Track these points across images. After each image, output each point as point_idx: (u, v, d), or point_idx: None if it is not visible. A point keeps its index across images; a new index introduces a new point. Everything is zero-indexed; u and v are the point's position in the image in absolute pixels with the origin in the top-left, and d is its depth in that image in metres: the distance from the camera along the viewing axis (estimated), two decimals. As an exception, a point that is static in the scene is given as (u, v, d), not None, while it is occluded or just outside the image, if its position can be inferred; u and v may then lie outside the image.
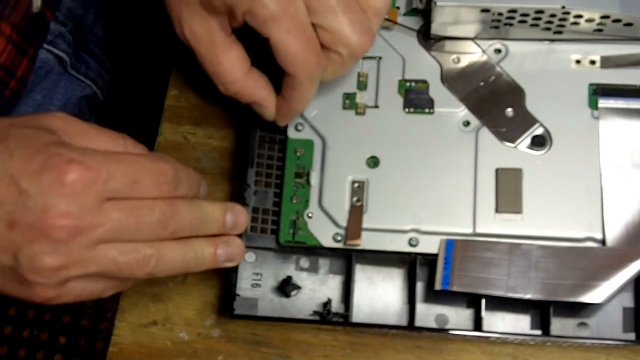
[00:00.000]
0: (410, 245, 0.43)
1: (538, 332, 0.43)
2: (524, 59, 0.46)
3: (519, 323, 0.43)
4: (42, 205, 0.33)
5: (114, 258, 0.35)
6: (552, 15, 0.43)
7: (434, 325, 0.44)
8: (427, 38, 0.46)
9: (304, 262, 0.45)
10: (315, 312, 0.44)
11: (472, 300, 0.43)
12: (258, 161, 0.46)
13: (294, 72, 0.40)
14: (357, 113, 0.46)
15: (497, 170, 0.44)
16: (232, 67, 0.41)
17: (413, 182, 0.44)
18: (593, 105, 0.44)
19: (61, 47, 0.54)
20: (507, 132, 0.44)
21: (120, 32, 0.64)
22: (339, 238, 0.44)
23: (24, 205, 0.33)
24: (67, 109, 0.57)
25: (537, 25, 0.44)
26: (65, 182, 0.33)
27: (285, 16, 0.38)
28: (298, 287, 0.44)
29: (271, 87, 0.43)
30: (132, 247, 0.36)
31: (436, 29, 0.45)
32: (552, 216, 0.43)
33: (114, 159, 0.35)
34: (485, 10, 0.43)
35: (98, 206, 0.34)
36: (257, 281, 0.45)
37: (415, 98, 0.46)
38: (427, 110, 0.45)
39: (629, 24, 0.43)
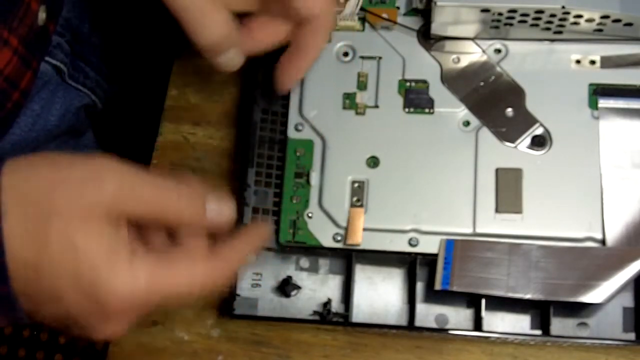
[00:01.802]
0: (410, 245, 0.43)
1: (538, 332, 0.43)
2: (524, 59, 0.46)
3: (519, 323, 0.43)
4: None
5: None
6: (552, 15, 0.43)
7: (434, 325, 0.44)
8: (427, 38, 0.46)
9: (304, 262, 0.45)
10: (315, 312, 0.44)
11: (472, 300, 0.43)
12: (258, 161, 0.46)
13: (314, 16, 0.40)
14: (357, 113, 0.46)
15: (497, 170, 0.44)
16: (221, 8, 0.40)
17: (413, 182, 0.44)
18: (593, 105, 0.44)
19: (59, 57, 0.54)
20: (507, 132, 0.44)
21: (117, 40, 0.64)
22: (339, 238, 0.44)
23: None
24: (65, 118, 0.57)
25: (537, 25, 0.44)
26: (112, 317, 0.34)
27: None
28: (298, 287, 0.44)
29: None
30: None
31: (436, 29, 0.45)
32: (552, 216, 0.43)
33: (158, 289, 0.34)
34: (485, 10, 0.43)
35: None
36: (257, 281, 0.45)
37: (415, 98, 0.46)
38: (427, 110, 0.45)
39: (629, 24, 0.43)
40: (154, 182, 0.35)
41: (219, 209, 0.37)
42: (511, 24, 0.44)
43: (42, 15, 0.49)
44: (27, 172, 0.33)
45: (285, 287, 0.44)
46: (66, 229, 0.32)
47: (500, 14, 0.43)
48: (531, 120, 0.44)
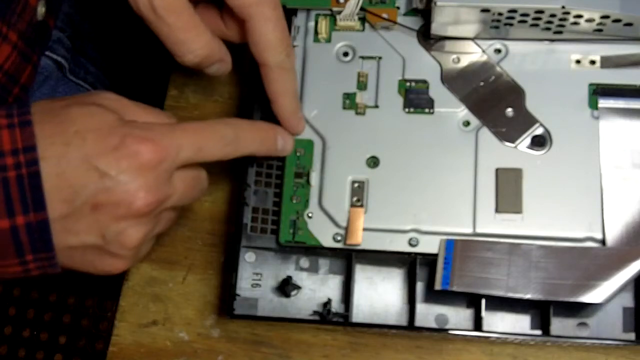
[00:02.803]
0: (410, 245, 0.43)
1: (538, 332, 0.43)
2: (524, 59, 0.46)
3: (519, 323, 0.43)
4: (123, 185, 0.35)
5: (170, 217, 0.40)
6: (552, 15, 0.43)
7: (434, 325, 0.44)
8: (427, 38, 0.46)
9: (304, 262, 0.45)
10: (315, 312, 0.44)
11: (472, 300, 0.43)
12: (258, 161, 0.46)
13: (265, 59, 0.42)
14: (357, 113, 0.46)
15: (497, 170, 0.44)
16: (202, 30, 0.42)
17: (413, 182, 0.44)
18: (593, 105, 0.44)
19: (60, 52, 0.55)
20: (507, 132, 0.44)
21: (118, 35, 0.64)
22: (339, 238, 0.44)
23: (105, 186, 0.35)
24: None
25: (537, 25, 0.44)
26: (141, 161, 0.35)
27: (270, 3, 0.41)
28: (298, 287, 0.44)
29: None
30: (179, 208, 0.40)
31: (436, 29, 0.45)
32: (552, 216, 0.43)
33: (179, 130, 0.37)
34: (485, 10, 0.43)
35: (170, 178, 0.37)
36: (257, 281, 0.45)
37: (415, 98, 0.46)
38: (427, 110, 0.45)
39: (629, 24, 0.43)
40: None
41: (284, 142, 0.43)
42: (511, 24, 0.44)
43: (41, 10, 0.49)
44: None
45: (285, 287, 0.44)
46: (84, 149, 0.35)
47: (500, 14, 0.43)
48: (531, 120, 0.44)
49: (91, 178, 0.34)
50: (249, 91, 0.50)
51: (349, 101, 0.46)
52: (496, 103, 0.45)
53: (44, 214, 0.34)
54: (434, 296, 0.44)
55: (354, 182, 0.45)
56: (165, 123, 0.38)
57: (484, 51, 0.46)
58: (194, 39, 0.41)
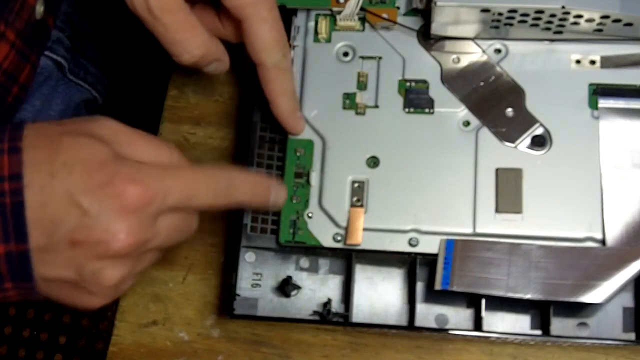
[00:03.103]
0: (410, 245, 0.43)
1: (538, 332, 0.43)
2: (524, 59, 0.46)
3: (519, 323, 0.43)
4: (103, 225, 0.34)
5: (152, 257, 0.38)
6: (552, 15, 0.43)
7: (434, 325, 0.44)
8: (427, 38, 0.46)
9: (304, 262, 0.45)
10: (315, 312, 0.44)
11: (472, 300, 0.43)
12: (258, 161, 0.46)
13: (262, 59, 0.42)
14: (357, 113, 0.46)
15: (497, 170, 0.44)
16: (198, 29, 0.42)
17: (413, 182, 0.44)
18: (593, 105, 0.44)
19: (59, 52, 0.55)
20: (507, 132, 0.44)
21: (118, 35, 0.64)
22: (339, 238, 0.44)
23: (85, 224, 0.33)
24: (66, 114, 0.57)
25: (537, 25, 0.44)
26: (126, 202, 0.34)
27: (266, 4, 0.41)
28: (298, 287, 0.44)
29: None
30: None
31: (436, 29, 0.45)
32: (552, 216, 0.43)
33: (171, 176, 0.36)
34: (485, 10, 0.43)
35: (153, 222, 0.35)
36: (257, 281, 0.45)
37: (415, 98, 0.46)
38: (427, 110, 0.45)
39: (629, 24, 0.43)
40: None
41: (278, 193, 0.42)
42: (511, 24, 0.44)
43: (39, 9, 0.49)
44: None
45: (285, 287, 0.44)
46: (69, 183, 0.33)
47: (500, 14, 0.43)
48: (531, 120, 0.44)
49: (72, 214, 0.33)
50: (249, 91, 0.50)
51: (349, 101, 0.46)
52: (496, 103, 0.45)
53: (26, 245, 0.33)
54: (434, 296, 0.44)
55: (354, 182, 0.44)
56: (159, 163, 0.36)
57: (484, 51, 0.46)
58: (190, 39, 0.41)
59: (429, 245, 0.43)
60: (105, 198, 0.33)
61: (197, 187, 0.37)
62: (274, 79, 0.43)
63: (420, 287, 0.44)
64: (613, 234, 0.42)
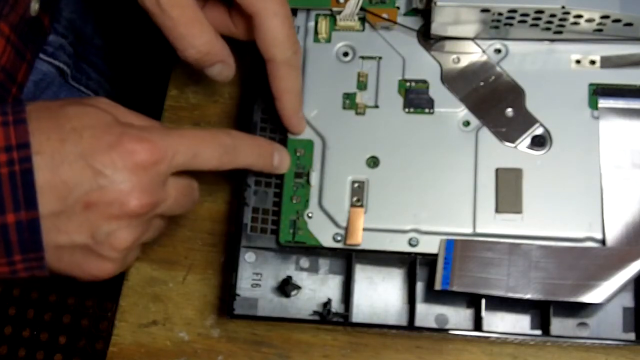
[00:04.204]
0: (410, 245, 0.43)
1: (538, 332, 0.43)
2: (524, 59, 0.46)
3: (519, 323, 0.43)
4: (117, 185, 0.34)
5: (159, 225, 0.39)
6: (552, 15, 0.43)
7: (434, 325, 0.44)
8: (427, 38, 0.46)
9: (304, 262, 0.45)
10: (315, 312, 0.44)
11: (472, 300, 0.43)
12: (258, 161, 0.46)
13: (272, 55, 0.42)
14: (357, 113, 0.46)
15: (497, 170, 0.44)
16: (206, 26, 0.42)
17: (413, 182, 0.44)
18: (593, 105, 0.44)
19: (62, 58, 0.55)
20: (507, 132, 0.44)
21: (119, 40, 0.64)
22: (339, 238, 0.44)
23: (99, 185, 0.34)
24: None
25: (537, 25, 0.44)
26: (137, 160, 0.35)
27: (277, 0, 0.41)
28: (298, 287, 0.44)
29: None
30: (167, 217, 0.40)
31: (436, 29, 0.45)
32: (552, 216, 0.43)
33: (176, 134, 0.37)
34: (485, 10, 0.43)
35: (164, 182, 0.36)
36: (257, 281, 0.45)
37: (415, 98, 0.46)
38: (427, 110, 0.45)
39: (629, 24, 0.43)
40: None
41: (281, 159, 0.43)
42: (511, 24, 0.44)
43: (35, 6, 0.49)
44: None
45: (285, 287, 0.44)
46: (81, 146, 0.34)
47: (500, 14, 0.43)
48: (531, 120, 0.44)
49: (85, 176, 0.34)
50: (249, 91, 0.50)
51: (349, 101, 0.46)
52: (496, 103, 0.45)
53: (35, 212, 0.34)
54: (434, 296, 0.44)
55: (354, 182, 0.45)
56: (161, 127, 0.38)
57: (484, 51, 0.46)
58: (196, 34, 0.41)
59: (429, 245, 0.43)
60: (118, 157, 0.34)
61: (204, 145, 0.37)
62: (282, 76, 0.43)
63: (420, 287, 0.44)
64: (613, 234, 0.42)
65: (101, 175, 0.34)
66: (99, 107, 0.36)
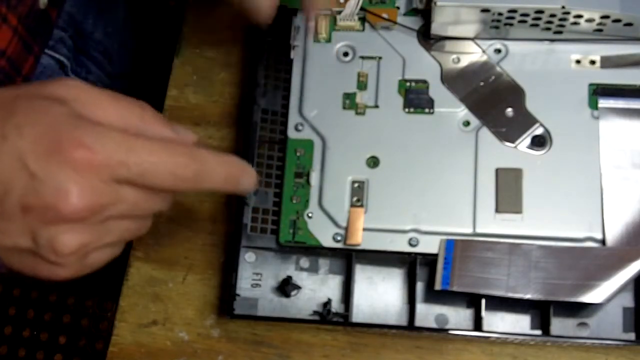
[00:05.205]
0: (410, 245, 0.43)
1: (538, 332, 0.43)
2: (524, 59, 0.46)
3: (519, 323, 0.43)
4: (53, 188, 0.32)
5: (128, 227, 0.36)
6: (552, 15, 0.43)
7: (434, 325, 0.44)
8: (427, 38, 0.46)
9: (304, 262, 0.45)
10: (315, 312, 0.44)
11: (472, 300, 0.43)
12: (258, 161, 0.46)
13: None
14: (357, 113, 0.46)
15: (497, 170, 0.44)
16: None
17: (413, 182, 0.44)
18: (593, 105, 0.44)
19: (62, 51, 0.55)
20: (507, 132, 0.44)
21: (119, 35, 0.64)
22: (339, 238, 0.44)
23: (35, 188, 0.32)
24: None
25: (537, 25, 0.44)
26: (73, 164, 0.32)
27: None
28: (298, 287, 0.44)
29: None
30: (147, 217, 0.36)
31: (436, 29, 0.45)
32: (552, 216, 0.43)
33: (127, 147, 0.33)
34: (485, 10, 0.43)
35: (111, 186, 0.33)
36: (257, 281, 0.45)
37: (415, 98, 0.46)
38: (427, 110, 0.45)
39: (629, 24, 0.43)
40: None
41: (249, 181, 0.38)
42: (511, 24, 0.44)
43: None
44: None
45: (285, 287, 0.44)
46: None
47: (500, 14, 0.43)
48: (531, 120, 0.44)
49: (22, 177, 0.32)
50: (249, 91, 0.50)
51: (349, 101, 0.46)
52: (496, 103, 0.45)
53: None
54: (434, 296, 0.44)
55: (354, 182, 0.44)
56: (126, 124, 0.34)
57: (484, 51, 0.46)
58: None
59: (429, 245, 0.43)
60: (54, 160, 0.32)
61: (156, 165, 0.34)
62: None
63: (420, 287, 0.44)
64: (613, 234, 0.42)
65: (36, 178, 0.32)
66: (57, 97, 0.34)
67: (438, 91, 0.46)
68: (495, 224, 0.43)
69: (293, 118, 0.46)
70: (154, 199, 0.35)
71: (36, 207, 0.32)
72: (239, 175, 0.37)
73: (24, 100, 0.33)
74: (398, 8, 0.47)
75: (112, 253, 0.37)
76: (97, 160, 0.32)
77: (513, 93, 0.45)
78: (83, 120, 0.33)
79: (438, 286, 0.42)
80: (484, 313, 0.42)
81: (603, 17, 0.43)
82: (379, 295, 0.45)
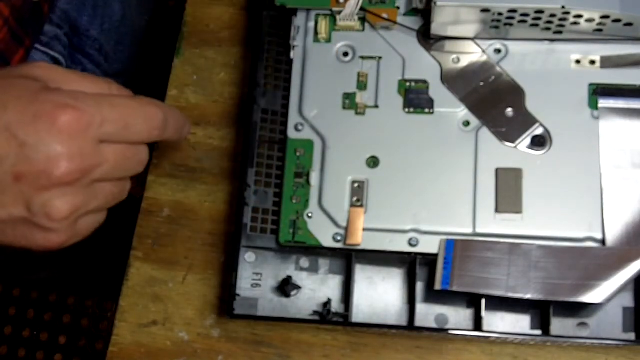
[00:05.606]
0: (410, 245, 0.43)
1: (538, 332, 0.43)
2: (524, 59, 0.46)
3: (519, 323, 0.43)
4: (43, 154, 0.33)
5: (111, 191, 0.37)
6: (552, 15, 0.43)
7: (434, 325, 0.44)
8: (427, 38, 0.46)
9: (304, 262, 0.45)
10: (315, 312, 0.44)
11: (472, 300, 0.43)
12: (258, 161, 0.46)
13: None
14: (357, 113, 0.46)
15: (497, 170, 0.44)
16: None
17: (413, 182, 0.44)
18: (593, 105, 0.44)
19: (57, 49, 0.55)
20: (507, 132, 0.44)
21: (116, 33, 0.64)
22: (339, 238, 0.44)
23: (26, 156, 0.33)
24: None
25: (537, 25, 0.44)
26: (60, 127, 0.34)
27: None
28: (298, 287, 0.44)
29: None
30: (125, 181, 0.38)
31: (436, 29, 0.45)
32: (552, 216, 0.43)
33: (107, 103, 0.35)
34: (485, 10, 0.43)
35: (95, 147, 0.35)
36: (257, 281, 0.45)
37: (415, 98, 0.46)
38: (427, 110, 0.45)
39: (629, 24, 0.43)
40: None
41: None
42: (511, 24, 0.44)
43: None
44: None
45: (285, 287, 0.44)
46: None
47: (500, 14, 0.43)
48: (531, 120, 0.44)
49: (11, 147, 0.33)
50: (249, 91, 0.50)
51: (349, 101, 0.46)
52: (496, 103, 0.45)
53: None
54: (434, 296, 0.44)
55: (354, 182, 0.45)
56: (97, 93, 0.36)
57: (484, 51, 0.46)
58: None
59: (429, 245, 0.43)
60: (41, 127, 0.33)
61: (135, 117, 0.36)
62: None
63: (420, 287, 0.44)
64: (613, 234, 0.42)
65: (26, 146, 0.33)
66: (31, 76, 0.35)
67: (438, 91, 0.46)
68: (495, 224, 0.43)
69: (293, 118, 0.46)
70: (133, 158, 0.37)
71: (28, 175, 0.34)
72: (183, 123, 0.41)
73: (1, 80, 0.35)
74: (398, 8, 0.47)
75: (98, 220, 0.38)
76: (84, 120, 0.34)
77: (513, 93, 0.45)
78: (60, 89, 0.35)
79: (438, 286, 0.42)
80: (484, 313, 0.42)
81: (603, 17, 0.43)
82: (379, 295, 0.45)
